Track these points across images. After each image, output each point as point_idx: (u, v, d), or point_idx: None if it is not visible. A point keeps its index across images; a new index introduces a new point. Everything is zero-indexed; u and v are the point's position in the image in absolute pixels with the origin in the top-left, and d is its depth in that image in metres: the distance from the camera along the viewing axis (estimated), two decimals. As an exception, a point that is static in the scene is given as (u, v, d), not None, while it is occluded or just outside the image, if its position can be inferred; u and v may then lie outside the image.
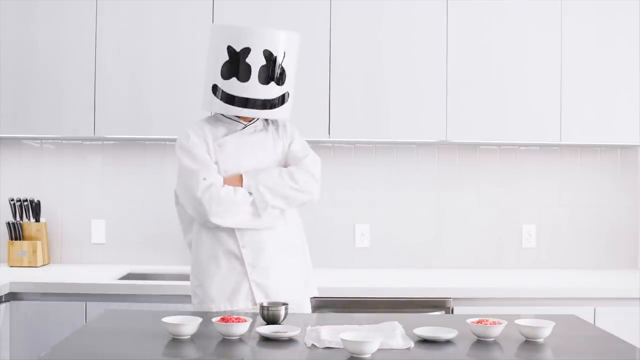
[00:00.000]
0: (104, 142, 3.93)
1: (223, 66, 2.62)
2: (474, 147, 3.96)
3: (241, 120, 2.74)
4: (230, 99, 2.63)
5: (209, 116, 2.80)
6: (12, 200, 3.77)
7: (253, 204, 2.62)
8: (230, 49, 2.61)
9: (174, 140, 3.82)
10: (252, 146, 2.72)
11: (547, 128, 3.65)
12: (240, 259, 2.65)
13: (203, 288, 2.68)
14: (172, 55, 3.59)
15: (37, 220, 3.80)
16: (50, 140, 3.91)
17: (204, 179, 2.61)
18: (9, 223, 3.76)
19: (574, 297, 3.31)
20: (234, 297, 2.64)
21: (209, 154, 2.67)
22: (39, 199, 3.83)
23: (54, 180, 3.91)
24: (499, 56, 3.64)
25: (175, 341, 2.17)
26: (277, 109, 2.66)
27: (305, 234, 2.88)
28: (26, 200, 3.79)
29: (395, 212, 3.95)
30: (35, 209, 3.80)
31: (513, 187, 3.98)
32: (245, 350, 2.14)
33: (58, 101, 3.59)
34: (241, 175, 2.65)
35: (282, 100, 2.67)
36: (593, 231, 3.99)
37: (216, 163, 2.66)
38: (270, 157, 2.73)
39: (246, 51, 2.59)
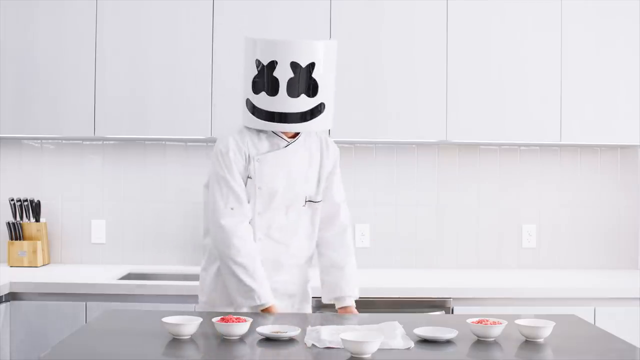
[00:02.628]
0: (104, 142, 3.93)
1: (253, 80, 2.59)
2: (474, 147, 3.96)
3: (282, 135, 2.67)
4: (259, 113, 2.59)
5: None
6: (12, 200, 3.77)
7: (240, 291, 2.58)
8: (258, 63, 2.57)
9: (174, 140, 3.85)
10: (289, 163, 2.66)
11: (547, 128, 3.65)
12: None
13: (214, 290, 2.70)
14: (172, 55, 3.59)
15: (37, 220, 3.80)
16: (50, 140, 3.91)
17: (232, 208, 2.59)
18: (9, 223, 3.76)
19: (574, 297, 3.31)
20: (241, 305, 2.63)
21: (246, 169, 2.63)
22: (39, 199, 3.83)
23: (54, 180, 3.91)
24: (499, 56, 3.64)
25: (175, 341, 2.17)
26: (310, 122, 2.59)
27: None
28: (26, 200, 3.79)
29: (395, 212, 3.95)
30: (35, 209, 3.80)
31: (513, 187, 3.98)
32: (245, 350, 2.14)
33: (58, 101, 3.58)
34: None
35: (316, 111, 2.60)
36: (593, 231, 3.99)
37: (250, 177, 2.62)
38: (303, 175, 2.69)
39: (273, 64, 2.54)
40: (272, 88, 2.55)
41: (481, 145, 3.95)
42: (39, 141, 3.92)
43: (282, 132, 2.65)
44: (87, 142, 3.93)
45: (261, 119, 2.58)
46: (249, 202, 2.62)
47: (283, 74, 2.54)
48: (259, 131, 2.66)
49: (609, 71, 3.66)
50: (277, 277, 2.67)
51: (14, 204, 3.77)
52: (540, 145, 3.96)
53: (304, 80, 2.55)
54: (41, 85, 3.58)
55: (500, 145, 3.95)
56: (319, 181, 2.72)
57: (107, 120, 3.59)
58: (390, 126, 3.62)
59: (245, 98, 2.64)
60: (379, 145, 3.93)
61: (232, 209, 2.58)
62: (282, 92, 2.54)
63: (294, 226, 2.68)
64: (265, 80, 2.56)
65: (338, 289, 2.70)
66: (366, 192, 3.94)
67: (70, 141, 3.92)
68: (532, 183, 3.99)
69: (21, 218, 3.79)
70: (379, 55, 3.62)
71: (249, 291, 2.54)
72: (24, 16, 3.58)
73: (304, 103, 2.57)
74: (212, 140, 3.83)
